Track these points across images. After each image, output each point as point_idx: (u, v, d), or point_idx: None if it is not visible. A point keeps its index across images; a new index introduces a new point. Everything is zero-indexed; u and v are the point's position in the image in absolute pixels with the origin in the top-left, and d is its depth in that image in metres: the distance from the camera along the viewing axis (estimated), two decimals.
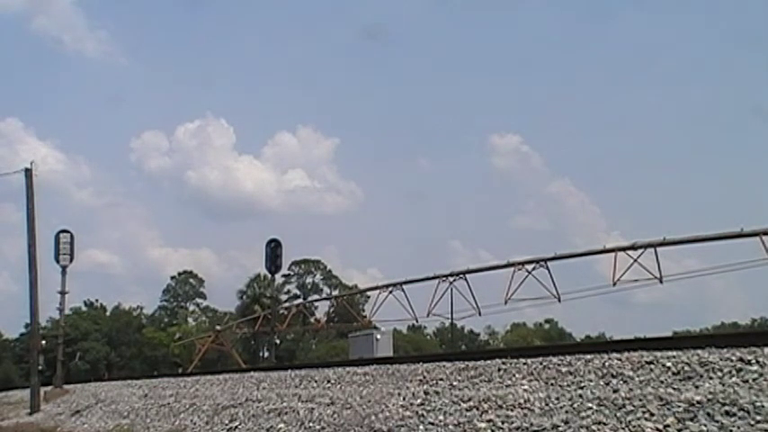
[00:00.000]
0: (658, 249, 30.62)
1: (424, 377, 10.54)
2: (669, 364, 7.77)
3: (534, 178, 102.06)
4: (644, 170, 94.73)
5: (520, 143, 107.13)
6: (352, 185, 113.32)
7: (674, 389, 6.98)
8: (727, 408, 6.10)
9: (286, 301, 66.20)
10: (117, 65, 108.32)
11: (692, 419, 6.11)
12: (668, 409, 6.43)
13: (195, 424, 12.81)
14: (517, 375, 9.23)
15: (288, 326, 49.52)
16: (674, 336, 21.19)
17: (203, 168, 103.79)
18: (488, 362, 10.29)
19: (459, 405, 8.35)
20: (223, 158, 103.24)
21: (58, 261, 29.31)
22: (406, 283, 38.94)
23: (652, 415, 6.42)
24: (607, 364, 8.42)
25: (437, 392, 9.28)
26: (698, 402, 6.34)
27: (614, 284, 31.72)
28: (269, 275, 39.81)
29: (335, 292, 70.27)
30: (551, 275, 33.56)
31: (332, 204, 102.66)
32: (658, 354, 8.22)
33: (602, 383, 7.89)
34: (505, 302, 34.53)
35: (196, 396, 15.61)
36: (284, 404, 11.55)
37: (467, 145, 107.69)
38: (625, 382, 7.74)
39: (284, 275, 70.40)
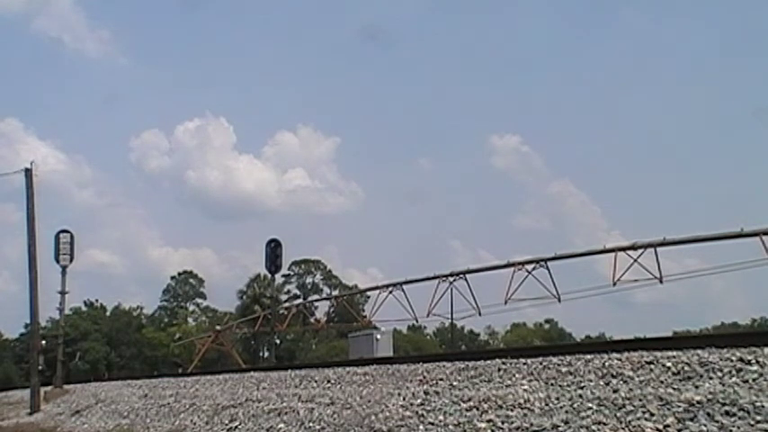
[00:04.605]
0: (658, 249, 30.61)
1: (424, 377, 10.54)
2: (669, 364, 7.76)
3: (534, 178, 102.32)
4: (644, 170, 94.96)
5: (520, 143, 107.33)
6: (352, 185, 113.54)
7: (674, 389, 6.98)
8: (727, 408, 6.10)
9: (286, 301, 66.23)
10: (117, 65, 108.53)
11: (692, 419, 6.11)
12: (668, 409, 6.42)
13: (195, 424, 12.80)
14: (517, 375, 9.23)
15: (288, 326, 49.48)
16: (674, 336, 21.19)
17: (203, 168, 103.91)
18: (488, 362, 10.29)
19: (459, 405, 8.35)
20: (223, 158, 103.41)
21: (58, 261, 29.26)
22: (406, 283, 38.93)
23: (652, 415, 6.42)
24: (607, 364, 8.42)
25: (437, 392, 9.28)
26: (698, 402, 6.34)
27: (614, 284, 31.72)
28: (269, 275, 39.77)
29: (335, 292, 70.30)
30: (551, 275, 33.60)
31: (332, 204, 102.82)
32: (658, 354, 8.21)
33: (602, 383, 7.88)
34: (505, 302, 34.53)
35: (196, 396, 15.61)
36: (284, 404, 11.55)
37: (467, 145, 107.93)
38: (625, 382, 7.74)
39: (284, 275, 70.68)
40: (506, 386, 8.81)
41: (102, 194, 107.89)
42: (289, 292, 74.35)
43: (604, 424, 6.58)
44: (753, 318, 63.50)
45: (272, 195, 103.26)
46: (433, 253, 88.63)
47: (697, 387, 6.90)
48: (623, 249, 31.82)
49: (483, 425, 7.49)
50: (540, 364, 9.29)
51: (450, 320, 43.71)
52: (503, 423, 7.36)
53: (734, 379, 6.89)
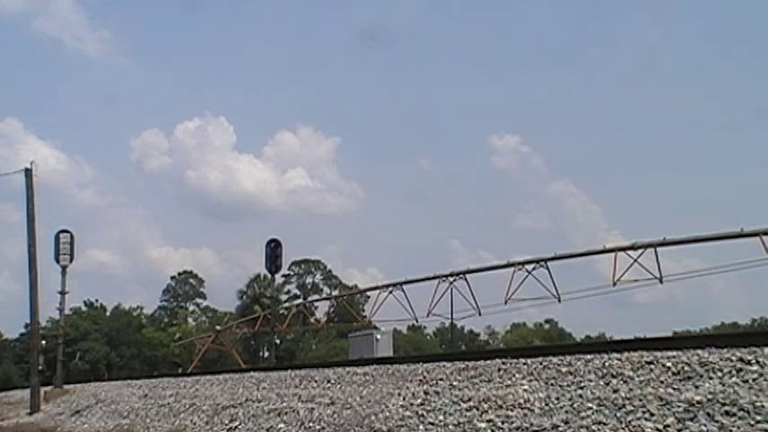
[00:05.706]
0: (658, 249, 30.55)
1: (424, 377, 10.54)
2: (669, 364, 7.77)
3: (534, 178, 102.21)
4: (644, 170, 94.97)
5: (520, 143, 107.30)
6: (352, 185, 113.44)
7: (674, 389, 6.98)
8: (727, 408, 6.10)
9: (286, 301, 66.25)
10: (117, 65, 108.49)
11: (692, 419, 6.11)
12: (668, 409, 6.42)
13: (195, 424, 12.81)
14: (517, 375, 9.23)
15: (288, 326, 49.42)
16: (674, 336, 21.17)
17: (203, 168, 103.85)
18: (488, 362, 10.29)
19: (459, 405, 8.35)
20: (223, 158, 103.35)
21: (58, 261, 29.27)
22: (406, 283, 38.87)
23: (652, 415, 6.42)
24: (607, 364, 8.42)
25: (437, 392, 9.28)
26: (698, 402, 6.34)
27: (614, 284, 31.64)
28: (269, 275, 39.77)
29: (335, 292, 70.27)
30: (551, 275, 33.51)
31: (332, 204, 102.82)
32: (658, 354, 8.22)
33: (602, 383, 7.89)
34: (505, 302, 34.45)
35: (196, 396, 15.62)
36: (284, 404, 11.55)
37: (467, 145, 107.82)
38: (625, 382, 7.74)
39: (284, 275, 70.61)
40: (506, 386, 8.81)
41: (102, 194, 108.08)
42: (289, 292, 74.44)
43: (604, 424, 6.58)
44: (753, 318, 63.55)
45: (272, 195, 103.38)
46: (433, 253, 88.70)
47: (697, 387, 6.90)
48: (623, 249, 31.77)
49: (483, 425, 7.49)
50: (540, 364, 9.29)
51: (450, 320, 43.72)
52: (503, 423, 7.36)
53: (734, 379, 6.89)
